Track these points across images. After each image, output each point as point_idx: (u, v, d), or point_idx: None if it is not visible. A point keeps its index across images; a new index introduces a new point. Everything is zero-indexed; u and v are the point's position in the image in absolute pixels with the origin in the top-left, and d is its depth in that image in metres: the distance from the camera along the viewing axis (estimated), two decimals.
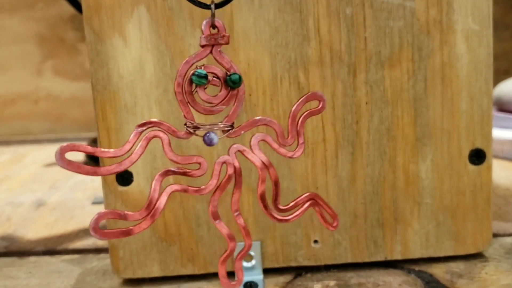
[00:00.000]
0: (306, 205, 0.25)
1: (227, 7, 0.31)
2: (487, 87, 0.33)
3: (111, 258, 0.34)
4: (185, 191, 0.23)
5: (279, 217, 0.25)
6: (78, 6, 0.64)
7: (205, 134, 0.23)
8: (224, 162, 0.23)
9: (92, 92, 0.32)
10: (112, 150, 0.22)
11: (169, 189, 0.23)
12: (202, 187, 0.23)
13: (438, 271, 0.34)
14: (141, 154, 0.22)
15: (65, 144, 0.21)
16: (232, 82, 0.23)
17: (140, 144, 0.22)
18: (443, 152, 0.33)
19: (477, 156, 0.34)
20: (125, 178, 0.32)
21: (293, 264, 0.34)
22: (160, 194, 0.23)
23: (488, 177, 0.34)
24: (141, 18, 0.31)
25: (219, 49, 0.23)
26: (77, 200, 0.53)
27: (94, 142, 0.68)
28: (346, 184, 0.33)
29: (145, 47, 0.31)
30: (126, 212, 0.22)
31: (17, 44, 0.84)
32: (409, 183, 0.34)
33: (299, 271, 0.35)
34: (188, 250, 0.34)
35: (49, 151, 0.77)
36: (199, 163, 0.23)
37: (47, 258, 0.39)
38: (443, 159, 0.34)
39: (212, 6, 0.23)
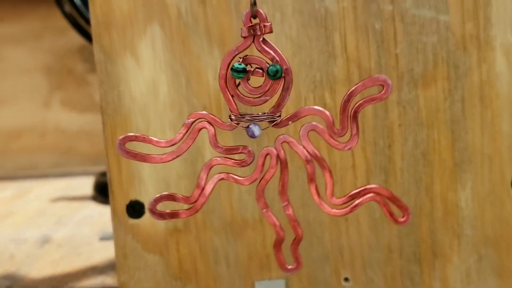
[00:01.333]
0: (366, 196, 0.23)
1: None
2: None
3: None
4: (229, 179, 0.23)
5: (333, 211, 0.23)
6: (88, 36, 0.63)
7: (248, 126, 0.23)
8: (267, 154, 0.23)
9: (102, 116, 0.29)
10: (164, 140, 0.23)
11: (216, 177, 0.23)
12: (245, 177, 0.23)
13: None
14: (190, 145, 0.23)
15: (125, 135, 0.22)
16: (269, 75, 0.22)
17: (189, 135, 0.23)
18: (484, 178, 0.31)
19: None
20: (136, 209, 0.30)
21: None
22: (206, 183, 0.23)
23: None
24: (155, 36, 0.29)
25: (260, 39, 0.22)
26: (85, 236, 0.51)
27: (103, 175, 0.66)
28: (379, 215, 0.31)
29: (158, 67, 0.29)
30: (178, 195, 0.23)
31: (24, 76, 0.82)
32: (448, 213, 0.31)
33: None
34: None
35: (56, 185, 0.75)
36: (246, 153, 0.23)
37: None
38: (484, 186, 0.31)
39: None
